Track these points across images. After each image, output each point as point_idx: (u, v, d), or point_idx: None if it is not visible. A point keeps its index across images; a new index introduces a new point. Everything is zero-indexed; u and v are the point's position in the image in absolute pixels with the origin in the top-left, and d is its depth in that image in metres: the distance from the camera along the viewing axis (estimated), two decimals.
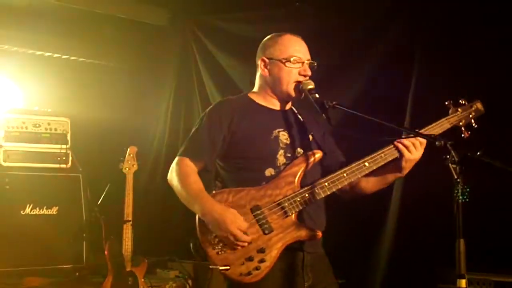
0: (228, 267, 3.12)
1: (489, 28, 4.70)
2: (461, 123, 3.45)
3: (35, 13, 6.78)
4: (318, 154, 3.33)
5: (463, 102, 3.48)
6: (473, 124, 3.48)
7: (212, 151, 3.34)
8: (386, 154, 3.29)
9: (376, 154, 3.29)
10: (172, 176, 3.33)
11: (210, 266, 3.16)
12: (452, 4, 4.87)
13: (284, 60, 3.35)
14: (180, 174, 3.28)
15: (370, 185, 3.43)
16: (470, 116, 3.47)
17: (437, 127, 3.38)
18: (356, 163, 3.28)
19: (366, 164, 3.28)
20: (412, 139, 3.26)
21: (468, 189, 2.42)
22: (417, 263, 4.83)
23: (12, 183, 6.12)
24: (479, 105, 3.50)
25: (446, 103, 3.48)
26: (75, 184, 6.47)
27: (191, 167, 3.30)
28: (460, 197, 2.56)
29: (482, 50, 4.67)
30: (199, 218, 3.19)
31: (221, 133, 3.33)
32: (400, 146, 3.26)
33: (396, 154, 3.29)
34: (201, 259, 3.20)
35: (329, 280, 3.43)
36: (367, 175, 3.34)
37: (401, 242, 4.98)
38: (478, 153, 2.65)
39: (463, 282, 2.53)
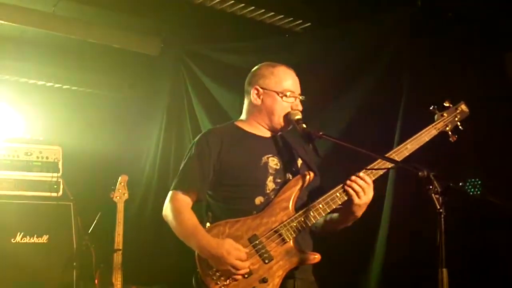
0: None
1: (478, 57, 4.76)
2: (447, 128, 3.45)
3: (27, 42, 6.82)
4: (309, 176, 3.33)
5: (448, 105, 3.49)
6: (460, 127, 3.48)
7: (204, 181, 3.34)
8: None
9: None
10: (167, 212, 3.34)
11: None
12: (441, 33, 4.92)
13: (280, 94, 3.39)
14: (174, 211, 3.29)
15: (336, 219, 3.41)
16: (456, 119, 3.48)
17: (425, 135, 3.39)
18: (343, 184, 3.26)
19: (346, 187, 3.25)
20: (362, 183, 3.21)
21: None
22: None
23: (3, 211, 6.09)
24: (463, 107, 3.51)
25: (431, 108, 3.48)
26: (66, 212, 6.45)
27: (185, 202, 3.32)
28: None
29: (472, 79, 4.71)
30: (198, 254, 3.20)
31: (210, 163, 3.34)
32: (350, 191, 3.21)
33: None
34: None
35: None
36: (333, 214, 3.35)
37: (389, 272, 4.97)
38: (461, 184, 2.68)
39: None
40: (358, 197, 3.20)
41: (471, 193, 2.68)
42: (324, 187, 3.38)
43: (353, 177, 3.21)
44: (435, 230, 2.61)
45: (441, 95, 4.21)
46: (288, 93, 3.40)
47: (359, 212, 3.28)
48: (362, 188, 3.20)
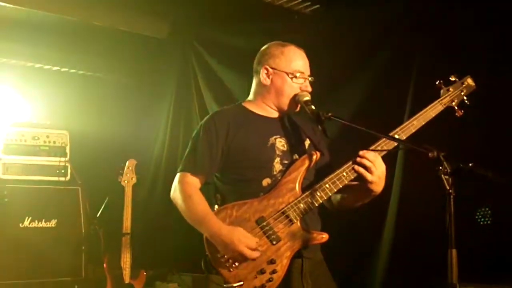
0: (242, 283, 3.11)
1: (489, 36, 4.71)
2: (453, 103, 3.39)
3: (34, 26, 6.78)
4: (316, 155, 3.30)
5: (454, 79, 3.43)
6: (466, 102, 3.42)
7: (212, 164, 3.32)
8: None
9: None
10: (176, 195, 3.31)
11: (224, 285, 3.13)
12: (451, 14, 4.88)
13: (290, 75, 3.34)
14: (183, 194, 3.27)
15: (353, 197, 3.37)
16: (462, 93, 3.42)
17: (431, 111, 3.34)
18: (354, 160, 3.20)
19: (356, 165, 3.19)
20: (370, 157, 3.17)
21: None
22: (414, 274, 4.82)
23: (11, 196, 6.11)
24: (469, 81, 3.45)
25: (437, 83, 3.43)
26: (74, 196, 6.46)
27: (193, 185, 3.30)
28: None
29: (482, 59, 4.66)
30: (206, 238, 3.18)
31: (219, 145, 3.31)
32: (361, 170, 3.16)
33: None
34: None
35: (328, 285, 3.41)
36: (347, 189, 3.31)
37: (398, 253, 4.97)
38: (471, 164, 2.64)
39: None
40: (371, 172, 3.15)
41: (482, 173, 2.63)
42: (333, 167, 3.33)
43: (359, 155, 3.16)
44: (444, 211, 2.58)
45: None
46: (298, 74, 3.36)
47: (377, 188, 3.21)
48: (372, 163, 3.15)
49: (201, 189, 3.33)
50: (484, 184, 3.38)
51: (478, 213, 4.23)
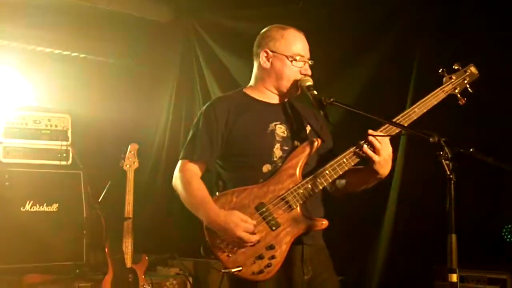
0: (240, 268, 3.12)
1: (489, 26, 4.70)
2: (456, 91, 3.39)
3: (36, 8, 6.76)
4: (317, 142, 3.30)
5: (457, 67, 3.42)
6: (469, 89, 3.41)
7: (212, 151, 3.33)
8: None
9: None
10: (177, 182, 3.34)
11: (223, 271, 3.15)
12: (452, 4, 4.87)
13: (290, 58, 3.35)
14: (183, 181, 3.29)
15: (357, 181, 3.38)
16: (465, 81, 3.41)
17: (433, 98, 3.34)
18: (355, 147, 3.21)
19: (365, 146, 3.20)
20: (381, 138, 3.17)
21: None
22: (414, 260, 4.84)
23: (12, 180, 6.09)
24: (472, 69, 3.45)
25: (440, 71, 3.42)
26: (75, 181, 6.45)
27: (194, 172, 3.31)
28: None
29: (482, 49, 4.64)
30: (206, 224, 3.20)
31: (219, 132, 3.33)
32: (369, 151, 3.17)
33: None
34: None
35: (329, 272, 3.41)
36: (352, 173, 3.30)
37: (398, 239, 4.99)
38: (471, 149, 2.64)
39: (454, 277, 2.54)
40: (378, 154, 3.15)
41: (483, 159, 2.64)
42: (335, 153, 3.33)
43: (370, 135, 3.16)
44: (445, 196, 2.57)
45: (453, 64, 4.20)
46: (297, 57, 3.36)
47: (383, 170, 3.22)
48: (381, 144, 3.15)
49: (202, 177, 3.34)
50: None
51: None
